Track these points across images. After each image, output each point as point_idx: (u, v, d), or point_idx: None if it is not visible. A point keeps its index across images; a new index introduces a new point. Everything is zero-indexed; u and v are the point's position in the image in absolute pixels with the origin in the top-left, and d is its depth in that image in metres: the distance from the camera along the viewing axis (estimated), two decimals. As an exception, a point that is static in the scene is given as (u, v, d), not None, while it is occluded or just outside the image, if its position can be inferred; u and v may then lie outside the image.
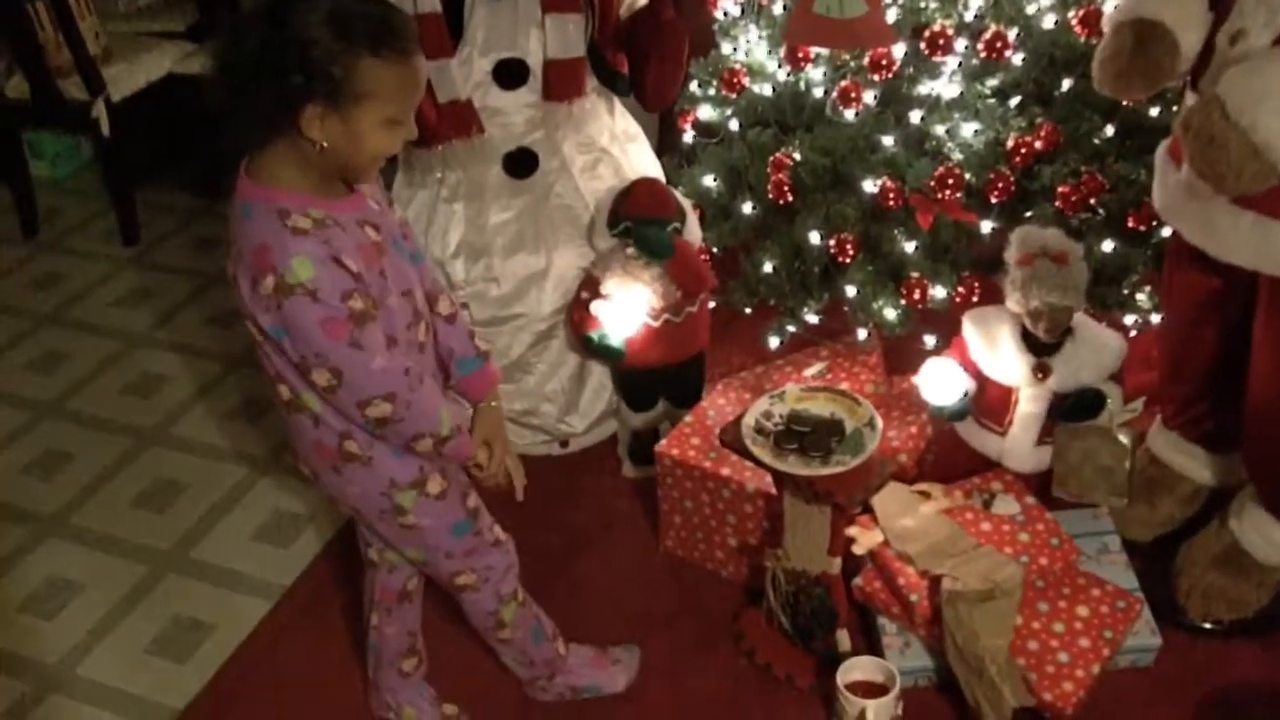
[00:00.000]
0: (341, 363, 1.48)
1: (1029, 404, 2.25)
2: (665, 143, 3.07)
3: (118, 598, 2.39)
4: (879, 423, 1.96)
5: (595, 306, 2.35)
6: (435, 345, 1.75)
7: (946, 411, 2.29)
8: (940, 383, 2.26)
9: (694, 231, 2.41)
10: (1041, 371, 2.20)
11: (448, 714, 2.09)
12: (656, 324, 2.36)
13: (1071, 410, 2.23)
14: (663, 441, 2.30)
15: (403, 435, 1.59)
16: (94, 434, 2.86)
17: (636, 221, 2.32)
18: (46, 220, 3.84)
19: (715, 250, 2.72)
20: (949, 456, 2.37)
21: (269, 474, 2.69)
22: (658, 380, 2.50)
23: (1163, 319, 2.28)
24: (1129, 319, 2.57)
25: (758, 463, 1.94)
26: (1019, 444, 2.28)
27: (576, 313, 2.43)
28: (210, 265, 3.55)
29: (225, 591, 2.40)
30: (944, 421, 2.36)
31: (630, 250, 2.33)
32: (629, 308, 2.33)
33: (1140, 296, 2.54)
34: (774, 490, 2.05)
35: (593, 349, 2.40)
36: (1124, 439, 2.19)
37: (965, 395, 2.28)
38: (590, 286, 2.40)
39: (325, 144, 1.43)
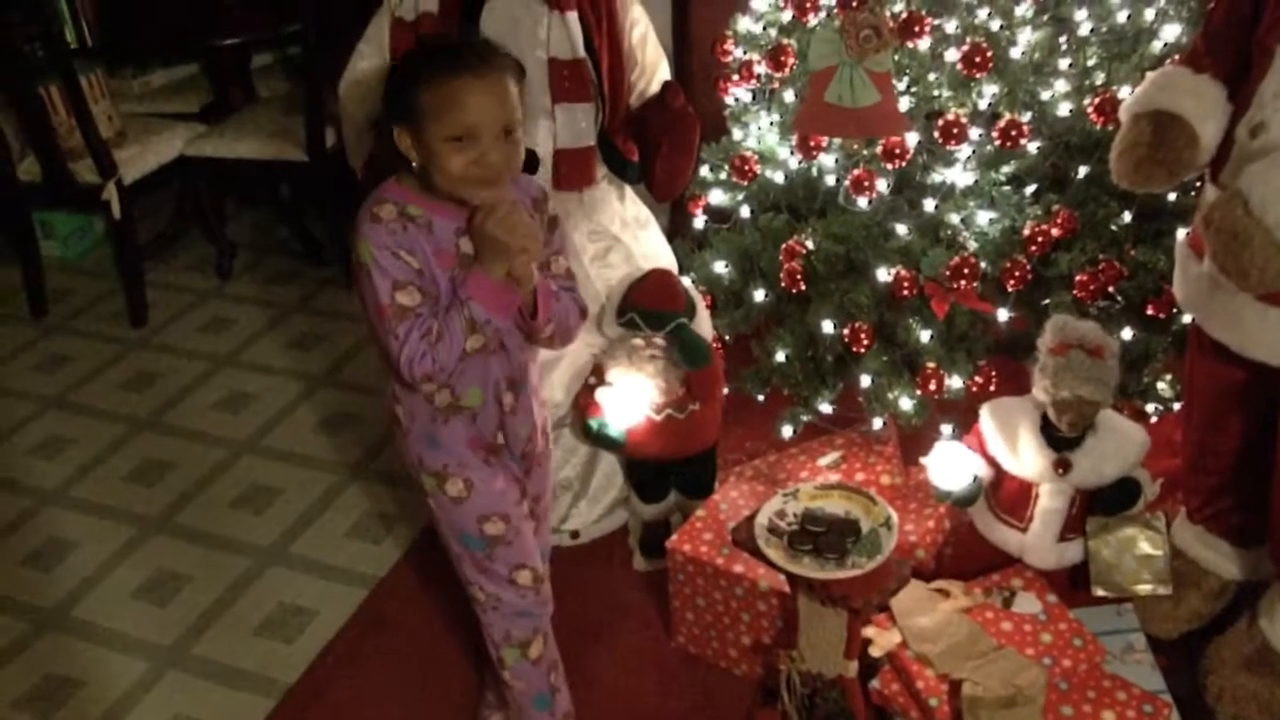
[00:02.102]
0: (384, 342, 1.68)
1: (1050, 499, 2.19)
2: (677, 227, 3.06)
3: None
4: (896, 522, 1.91)
5: (599, 394, 2.33)
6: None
7: (955, 497, 2.23)
8: (950, 467, 2.21)
9: (704, 324, 2.38)
10: (1062, 467, 2.15)
11: None
12: (659, 418, 2.33)
13: (1110, 502, 2.18)
14: (674, 536, 2.25)
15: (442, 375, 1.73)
16: (98, 521, 2.82)
17: (647, 314, 2.29)
18: (56, 300, 3.83)
19: (726, 338, 2.69)
20: (968, 551, 2.31)
21: (277, 563, 2.65)
22: (669, 471, 2.46)
23: (1185, 410, 2.23)
24: (1150, 407, 2.52)
25: (771, 564, 1.89)
26: (1040, 540, 2.22)
27: (583, 398, 2.40)
28: (218, 348, 3.53)
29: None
30: (954, 507, 2.30)
31: (636, 341, 2.30)
32: (631, 398, 2.30)
33: (1161, 385, 2.49)
34: (788, 589, 2.00)
35: (593, 436, 2.38)
36: (1159, 524, 2.14)
37: (975, 480, 2.22)
38: (598, 373, 2.38)
39: (416, 162, 1.65)
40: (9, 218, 3.72)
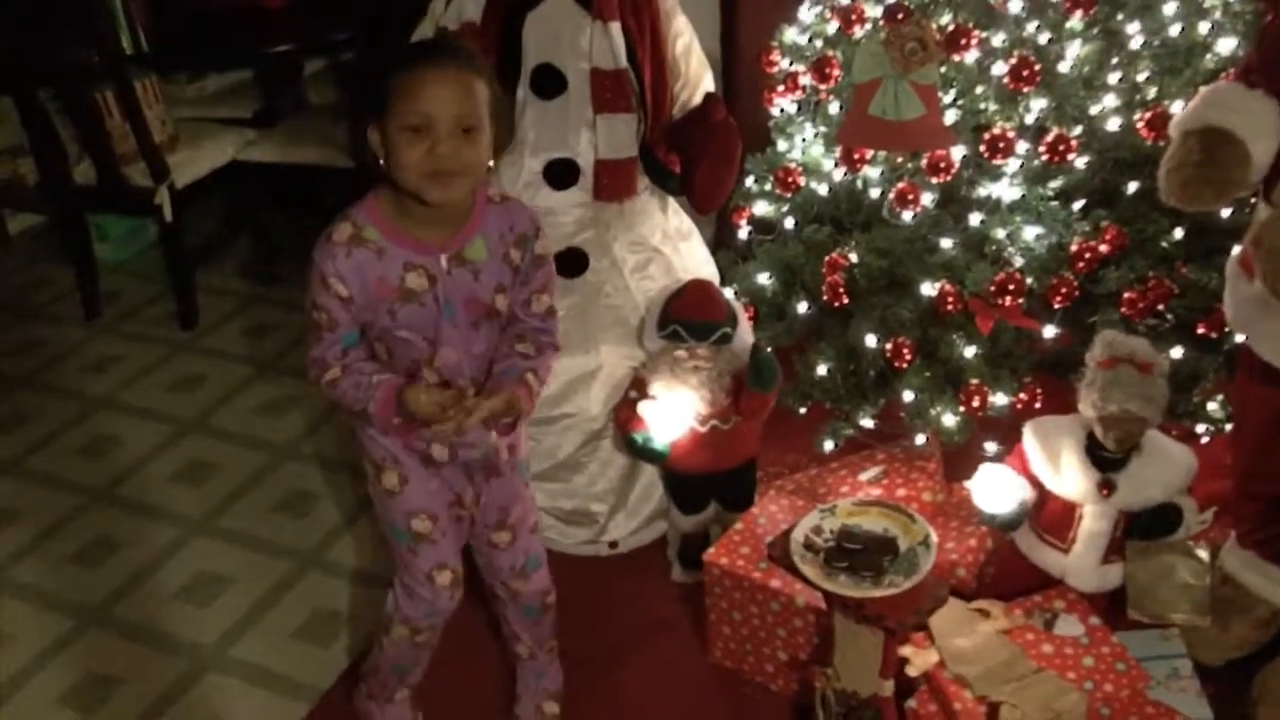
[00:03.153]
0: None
1: (1093, 521, 2.15)
2: (722, 238, 3.05)
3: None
4: (934, 541, 1.88)
5: (642, 407, 2.32)
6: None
7: (999, 520, 2.20)
8: (995, 490, 2.18)
9: (745, 335, 2.37)
10: (1107, 488, 2.11)
11: None
12: (704, 430, 2.32)
13: (1148, 527, 2.14)
14: (711, 549, 2.23)
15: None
16: (143, 522, 2.85)
17: (691, 326, 2.28)
18: (108, 302, 3.89)
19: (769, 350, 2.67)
20: (1009, 572, 2.28)
21: (311, 570, 2.66)
22: (708, 483, 2.45)
23: (1235, 432, 2.19)
24: (1200, 428, 2.48)
25: (806, 581, 1.88)
26: (1083, 562, 2.19)
27: (623, 412, 2.39)
28: (264, 352, 3.57)
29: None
30: (999, 531, 2.27)
31: (679, 353, 2.29)
32: (675, 411, 2.28)
33: (1212, 405, 2.44)
34: (824, 606, 1.98)
35: (636, 450, 2.36)
36: (1202, 553, 2.09)
37: (1021, 505, 2.19)
38: (639, 386, 2.37)
39: (381, 159, 1.66)
40: (65, 220, 3.78)
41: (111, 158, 3.52)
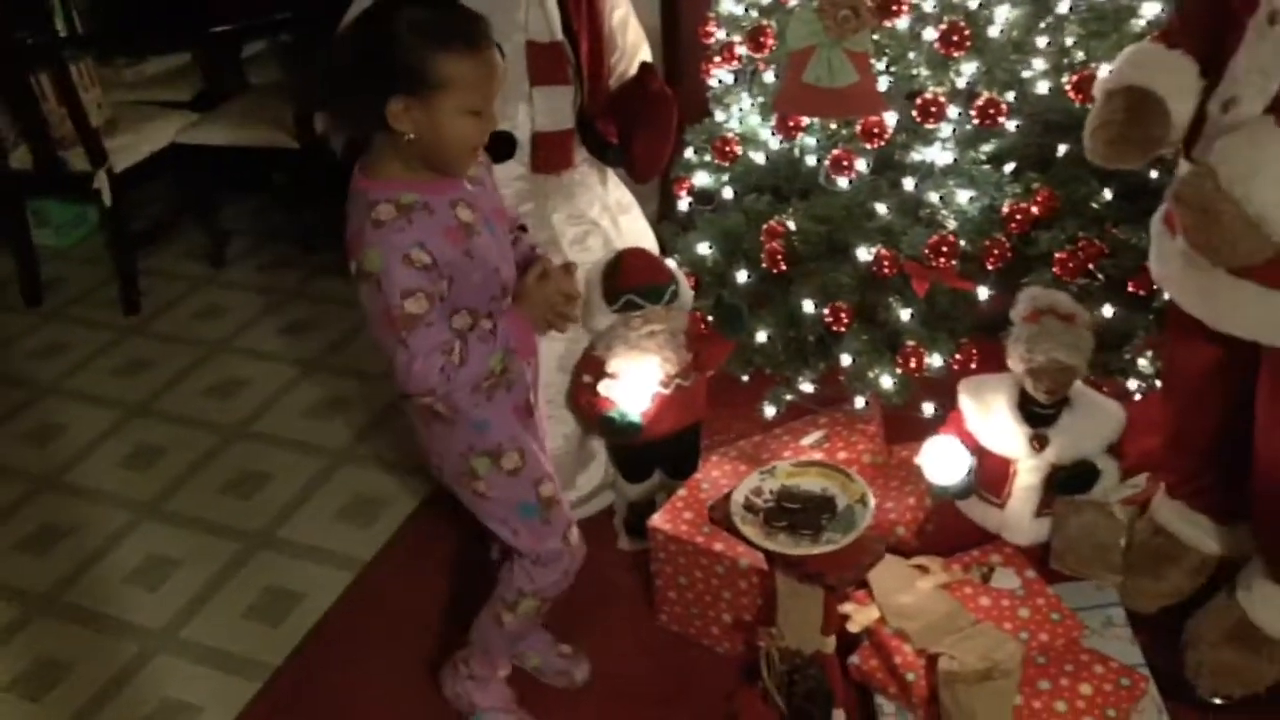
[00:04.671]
0: (391, 354, 1.66)
1: (1027, 475, 2.20)
2: (665, 210, 3.06)
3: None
4: (871, 499, 1.92)
5: (605, 387, 2.32)
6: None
7: (951, 490, 2.25)
8: (943, 461, 2.22)
9: (686, 290, 2.38)
10: (1039, 442, 2.16)
11: None
12: (669, 391, 2.33)
13: (1065, 483, 2.19)
14: (656, 516, 2.26)
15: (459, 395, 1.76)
16: (91, 507, 2.84)
17: (645, 291, 2.28)
18: (50, 289, 3.86)
19: (710, 319, 2.69)
20: (948, 528, 2.32)
21: (261, 550, 2.67)
22: (653, 451, 2.47)
23: (1165, 386, 2.24)
24: (1132, 384, 2.53)
25: (747, 541, 1.91)
26: (1018, 516, 2.24)
27: (583, 397, 2.38)
28: (211, 334, 3.55)
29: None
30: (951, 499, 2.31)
31: (634, 322, 2.29)
32: (641, 381, 2.30)
33: (1143, 362, 2.49)
34: (767, 566, 2.02)
35: (615, 429, 2.33)
36: (1121, 515, 2.14)
37: (969, 473, 2.23)
38: (592, 368, 2.35)
39: (413, 134, 1.61)
40: (2, 206, 3.73)
41: (48, 142, 3.49)
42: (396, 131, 1.62)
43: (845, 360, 2.50)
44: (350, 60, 1.62)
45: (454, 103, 1.60)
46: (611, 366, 2.31)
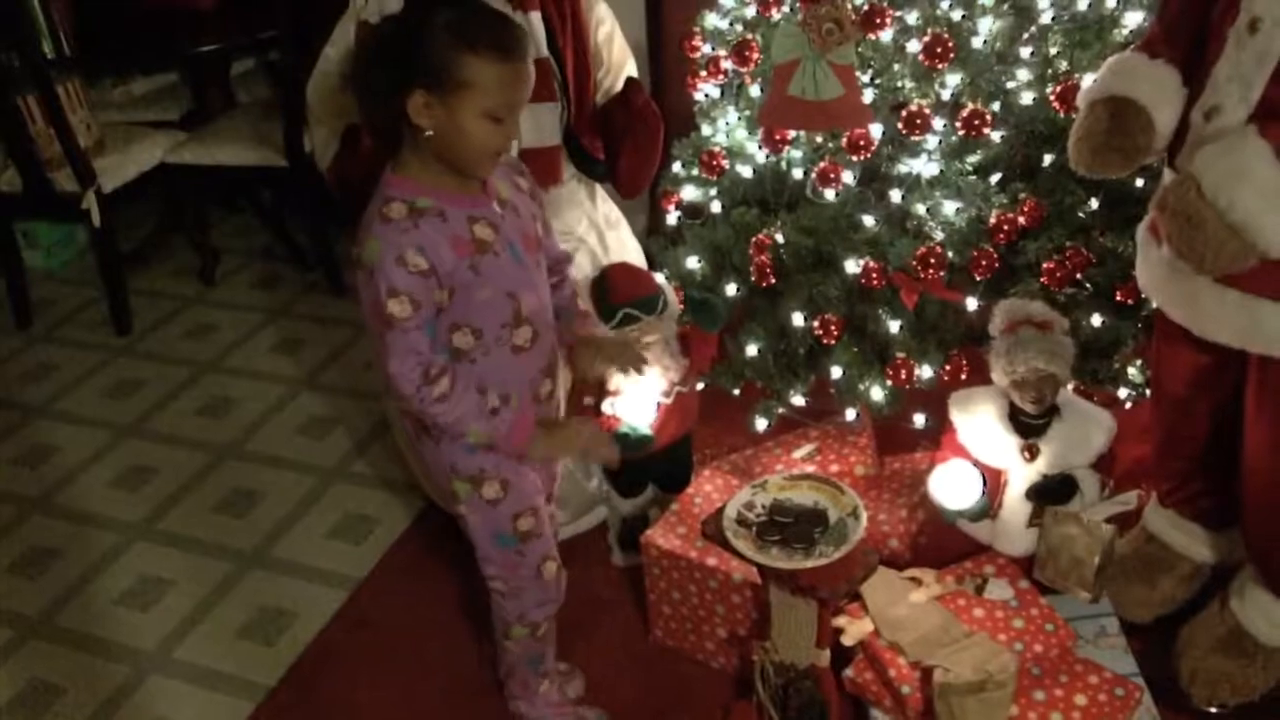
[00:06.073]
0: (375, 348, 1.70)
1: (1019, 486, 2.20)
2: (654, 224, 3.06)
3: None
4: (864, 512, 1.92)
5: (609, 406, 2.32)
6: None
7: (967, 513, 2.22)
8: (955, 486, 2.20)
9: (671, 294, 2.37)
10: (1030, 452, 2.16)
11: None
12: (670, 400, 2.33)
13: (1041, 494, 2.19)
14: (649, 531, 2.26)
15: (435, 424, 1.77)
16: (83, 529, 2.83)
17: (641, 303, 2.26)
18: (40, 310, 3.85)
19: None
20: (941, 540, 2.32)
21: (254, 569, 2.66)
22: (648, 465, 2.47)
23: (1154, 395, 2.24)
24: (1122, 392, 2.53)
25: (739, 555, 1.91)
26: (1010, 527, 2.24)
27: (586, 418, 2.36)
28: (201, 353, 3.55)
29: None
30: (968, 522, 2.28)
31: (631, 336, 2.27)
32: (645, 393, 2.30)
33: (1132, 370, 2.50)
34: (759, 580, 2.02)
35: (628, 445, 2.30)
36: (1101, 533, 2.11)
37: (984, 494, 2.20)
38: (591, 389, 2.34)
39: (431, 131, 1.62)
40: (-9, 228, 3.73)
41: (36, 163, 3.48)
42: (416, 126, 1.63)
43: (835, 373, 2.50)
44: (381, 46, 1.63)
45: (475, 105, 1.60)
46: (614, 384, 2.31)
